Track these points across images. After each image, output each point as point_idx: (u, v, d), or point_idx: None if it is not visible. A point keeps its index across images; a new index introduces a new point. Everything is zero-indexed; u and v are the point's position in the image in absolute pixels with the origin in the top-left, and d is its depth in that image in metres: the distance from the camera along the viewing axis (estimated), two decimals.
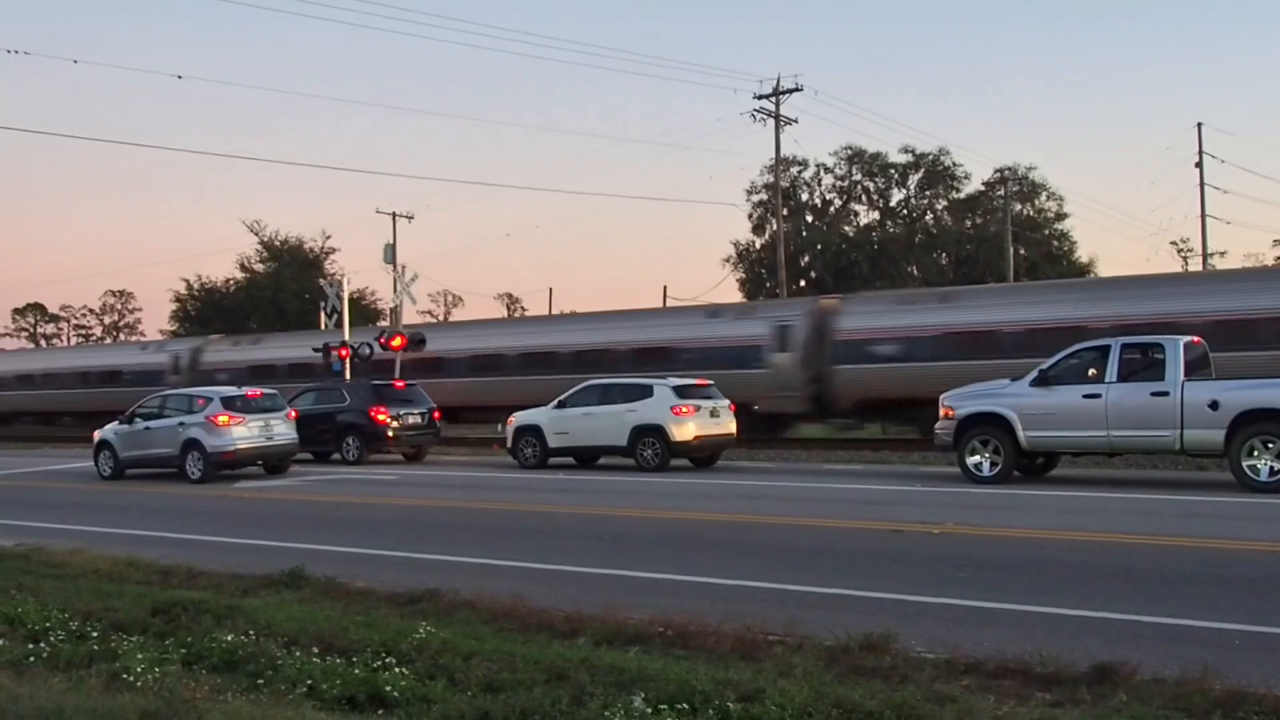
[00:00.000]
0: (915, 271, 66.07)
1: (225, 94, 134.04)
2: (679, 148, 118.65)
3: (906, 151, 68.91)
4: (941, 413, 18.20)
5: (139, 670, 7.09)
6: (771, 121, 50.56)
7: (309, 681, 7.17)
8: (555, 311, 67.39)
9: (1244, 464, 15.55)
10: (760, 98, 49.80)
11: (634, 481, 20.61)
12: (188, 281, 64.54)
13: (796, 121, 50.44)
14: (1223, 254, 64.57)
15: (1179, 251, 67.68)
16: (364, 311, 55.75)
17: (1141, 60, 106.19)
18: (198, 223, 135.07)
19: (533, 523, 15.32)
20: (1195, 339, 17.44)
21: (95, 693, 6.50)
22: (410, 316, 44.89)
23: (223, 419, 22.87)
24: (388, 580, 10.31)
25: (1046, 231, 67.33)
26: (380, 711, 6.71)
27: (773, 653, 7.68)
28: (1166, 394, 16.13)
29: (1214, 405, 15.75)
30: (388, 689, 7.03)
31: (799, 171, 69.75)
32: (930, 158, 68.61)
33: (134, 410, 24.94)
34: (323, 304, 40.16)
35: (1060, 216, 68.33)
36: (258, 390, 24.83)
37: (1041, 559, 11.07)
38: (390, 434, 26.94)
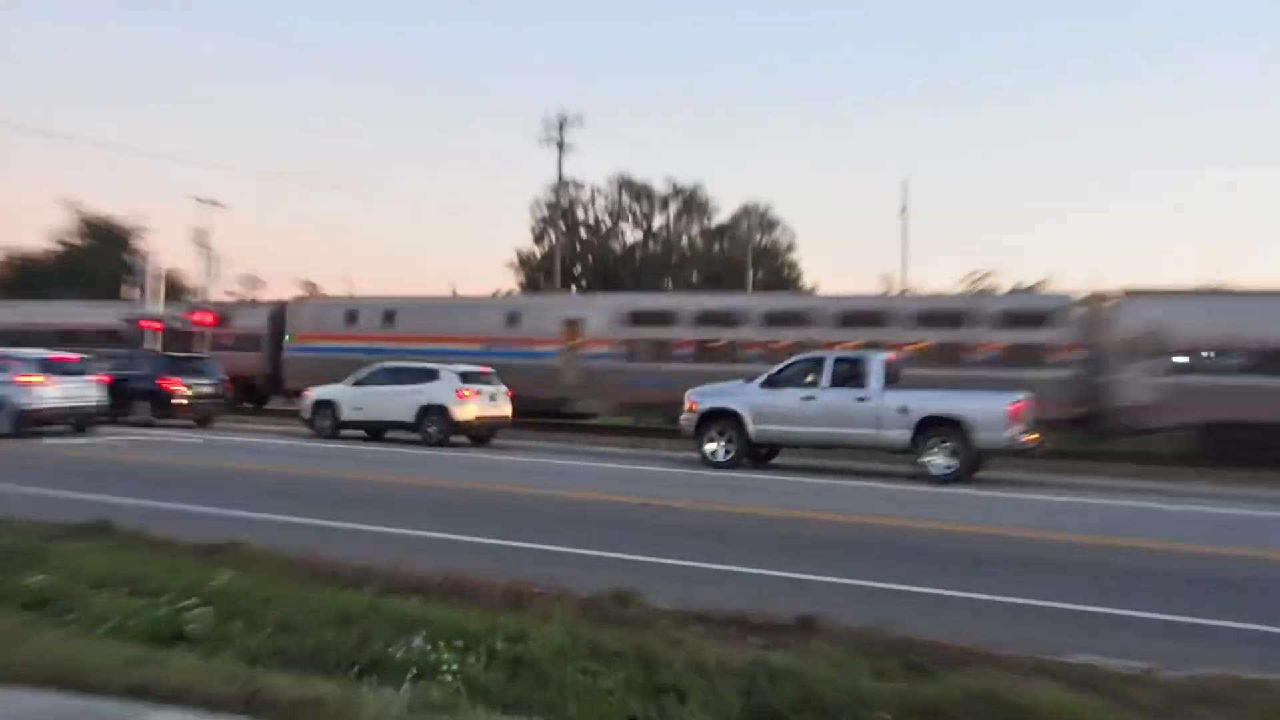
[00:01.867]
0: (671, 285, 67.98)
1: (42, 74, 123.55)
2: (472, 161, 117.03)
3: (669, 182, 71.12)
4: (686, 406, 18.77)
5: None
6: (556, 145, 50.97)
7: (116, 619, 6.86)
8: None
9: (925, 459, 16.72)
10: (549, 126, 50.14)
11: (420, 454, 20.36)
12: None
13: (576, 149, 50.74)
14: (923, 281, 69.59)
15: (884, 280, 72.26)
16: (172, 290, 52.74)
17: (867, 116, 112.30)
18: (4, 197, 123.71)
19: (328, 486, 14.95)
20: (892, 355, 18.60)
21: None
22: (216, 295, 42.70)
23: (35, 379, 21.33)
24: (191, 533, 9.88)
25: (779, 260, 70.53)
26: (184, 647, 6.49)
27: (536, 603, 7.79)
28: (868, 399, 17.15)
29: (904, 410, 16.87)
30: (190, 627, 6.79)
31: (576, 191, 70.43)
32: (688, 191, 70.87)
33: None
34: (125, 278, 37.90)
35: (790, 247, 71.89)
36: (71, 355, 23.26)
37: (762, 531, 11.62)
38: (182, 401, 25.97)
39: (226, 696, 5.08)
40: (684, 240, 72.11)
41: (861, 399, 17.16)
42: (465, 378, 23.04)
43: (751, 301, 29.34)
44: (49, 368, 22.08)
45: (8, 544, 8.72)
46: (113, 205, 75.45)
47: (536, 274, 69.22)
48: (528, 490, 14.62)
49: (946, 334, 24.79)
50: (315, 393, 24.25)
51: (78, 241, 58.61)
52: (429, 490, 14.72)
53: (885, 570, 9.47)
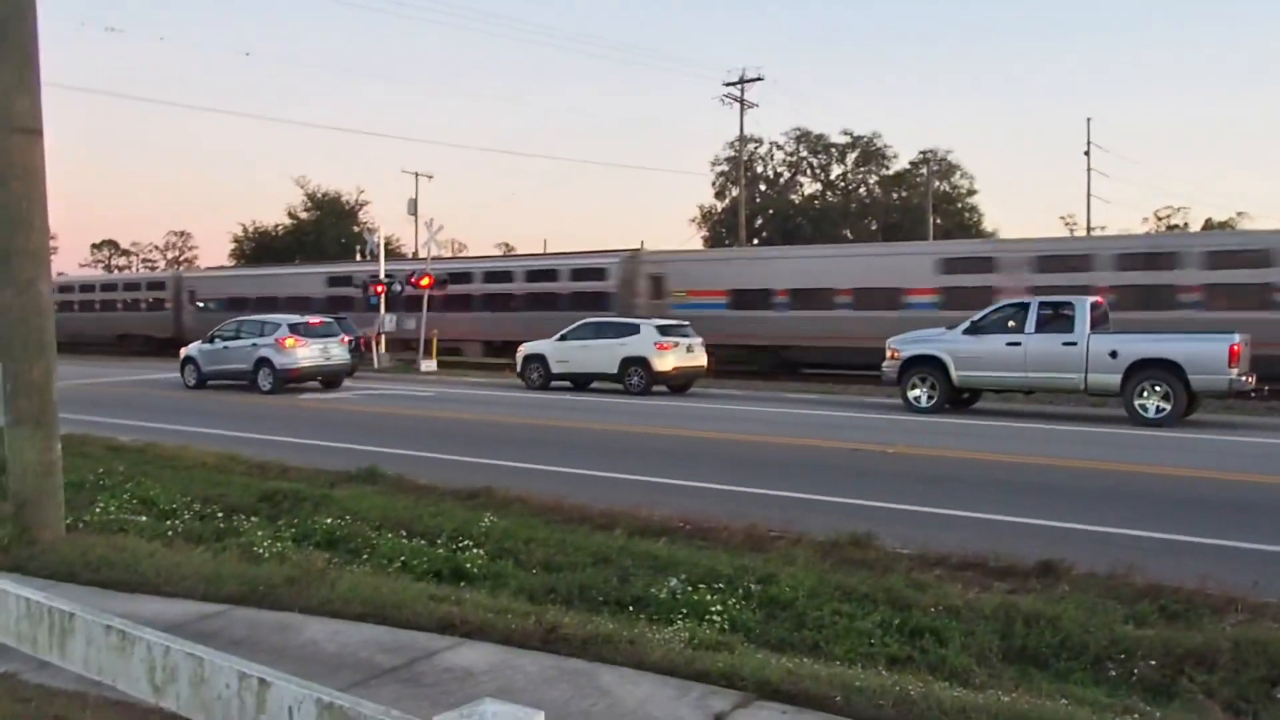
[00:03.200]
0: (850, 235, 66.37)
1: (280, 69, 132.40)
2: (657, 124, 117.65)
3: (846, 134, 69.16)
4: (888, 354, 18.36)
5: (264, 545, 7.17)
6: (736, 105, 50.21)
7: (402, 558, 7.28)
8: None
9: (1135, 403, 15.83)
10: (728, 85, 49.42)
11: (627, 403, 20.72)
12: (244, 225, 63.82)
13: (757, 106, 49.88)
14: (1103, 228, 65.06)
15: (1066, 224, 68.36)
16: (390, 256, 55.23)
17: (1045, 58, 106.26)
18: (249, 177, 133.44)
19: (550, 435, 15.39)
20: (1099, 299, 17.65)
21: (235, 561, 6.56)
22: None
23: (289, 341, 22.83)
24: (446, 478, 10.36)
25: (960, 205, 67.73)
26: (462, 584, 6.82)
27: (776, 546, 7.81)
28: (1075, 344, 16.35)
29: (1113, 354, 15.99)
30: (468, 566, 7.14)
31: (755, 148, 69.49)
32: (865, 139, 68.78)
33: (213, 332, 24.84)
34: (359, 247, 39.76)
35: (971, 193, 68.86)
36: (318, 319, 24.77)
37: (980, 475, 11.28)
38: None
39: (524, 632, 5.29)
40: (862, 190, 70.25)
41: (1068, 343, 16.36)
42: (664, 330, 23.27)
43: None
44: (304, 330, 23.48)
45: (295, 489, 9.36)
46: (337, 181, 78.93)
47: (718, 228, 69.08)
48: (740, 437, 14.66)
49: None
50: (526, 348, 24.96)
51: (304, 215, 62.01)
52: (645, 438, 14.94)
53: (1108, 514, 9.05)
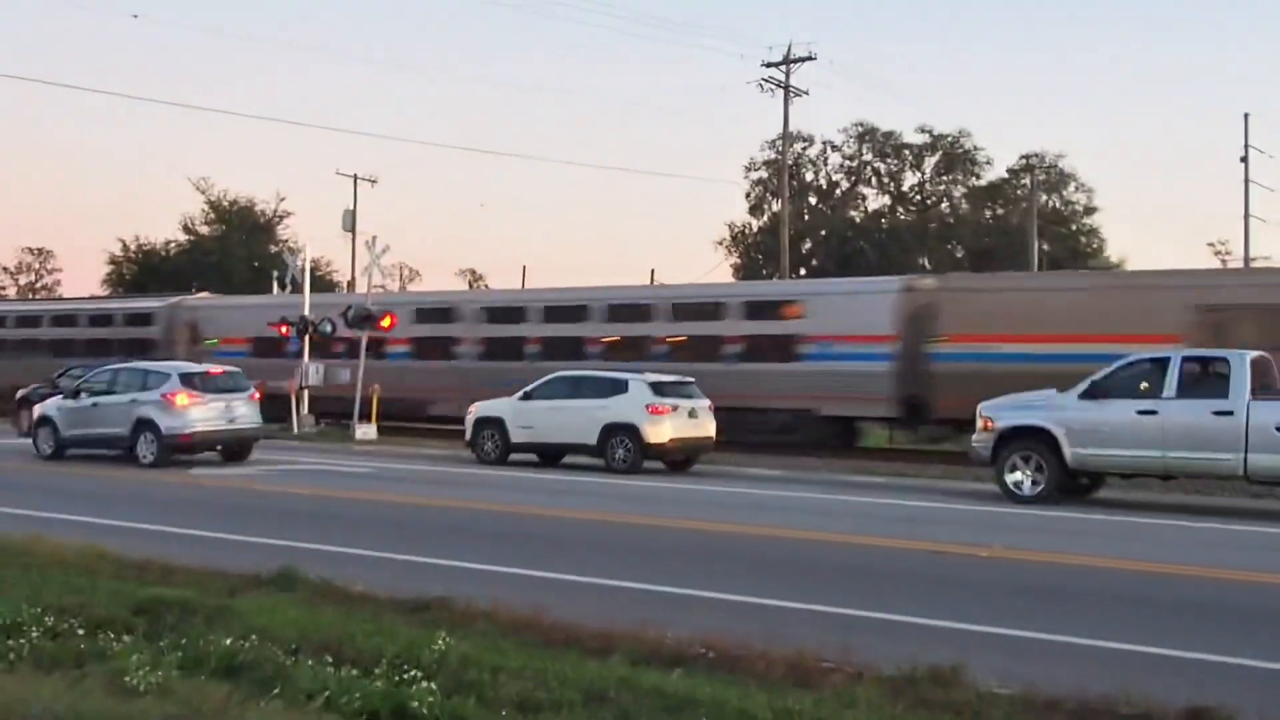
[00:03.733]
0: (927, 263, 66.24)
1: (177, 37, 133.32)
2: (673, 117, 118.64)
3: (923, 131, 68.86)
4: (980, 424, 18.36)
5: (140, 674, 7.10)
6: (779, 92, 50.38)
7: (326, 693, 7.19)
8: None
9: None
10: (769, 65, 49.54)
11: (618, 485, 20.84)
12: (123, 242, 64.37)
13: (807, 93, 50.06)
14: (1266, 257, 64.73)
15: (1216, 253, 67.92)
16: (318, 283, 55.64)
17: (1185, 41, 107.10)
18: (134, 177, 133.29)
19: (523, 525, 15.39)
20: (1263, 354, 17.64)
21: (98, 695, 6.50)
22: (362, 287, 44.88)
23: (180, 399, 22.92)
24: (384, 582, 10.29)
25: (1074, 226, 67.44)
26: None
27: (831, 681, 7.74)
28: (1231, 413, 16.32)
29: None
30: (414, 704, 7.04)
31: (804, 149, 69.81)
32: (949, 139, 68.53)
33: (80, 384, 24.93)
34: (276, 273, 40.05)
35: (1090, 210, 68.51)
36: (219, 368, 24.91)
37: (1104, 589, 11.20)
38: None
39: None
40: (944, 204, 70.38)
41: (1221, 412, 16.34)
42: (659, 389, 23.53)
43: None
44: (201, 384, 23.61)
45: (186, 598, 9.32)
46: (251, 186, 79.99)
47: (753, 252, 69.00)
48: (774, 532, 14.69)
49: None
50: (480, 408, 25.36)
51: (205, 230, 62.64)
52: (648, 531, 15.01)
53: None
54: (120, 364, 26.13)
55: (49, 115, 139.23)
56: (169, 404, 22.91)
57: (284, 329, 34.16)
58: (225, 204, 62.75)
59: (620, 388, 23.52)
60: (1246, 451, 16.22)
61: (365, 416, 31.98)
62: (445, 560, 12.27)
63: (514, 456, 24.48)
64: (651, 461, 23.28)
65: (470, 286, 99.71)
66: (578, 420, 23.56)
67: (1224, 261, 67.34)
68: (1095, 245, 67.85)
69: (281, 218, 64.16)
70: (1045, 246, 62.45)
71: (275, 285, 39.99)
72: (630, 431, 22.98)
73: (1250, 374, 16.56)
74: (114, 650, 7.85)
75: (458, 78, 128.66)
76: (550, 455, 24.65)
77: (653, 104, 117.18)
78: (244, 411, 24.08)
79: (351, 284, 42.22)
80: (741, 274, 68.35)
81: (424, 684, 7.37)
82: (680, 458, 23.94)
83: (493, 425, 24.72)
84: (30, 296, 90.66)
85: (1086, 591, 11.09)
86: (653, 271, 47.53)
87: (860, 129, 69.50)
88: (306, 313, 34.30)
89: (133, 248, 63.40)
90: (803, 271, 64.62)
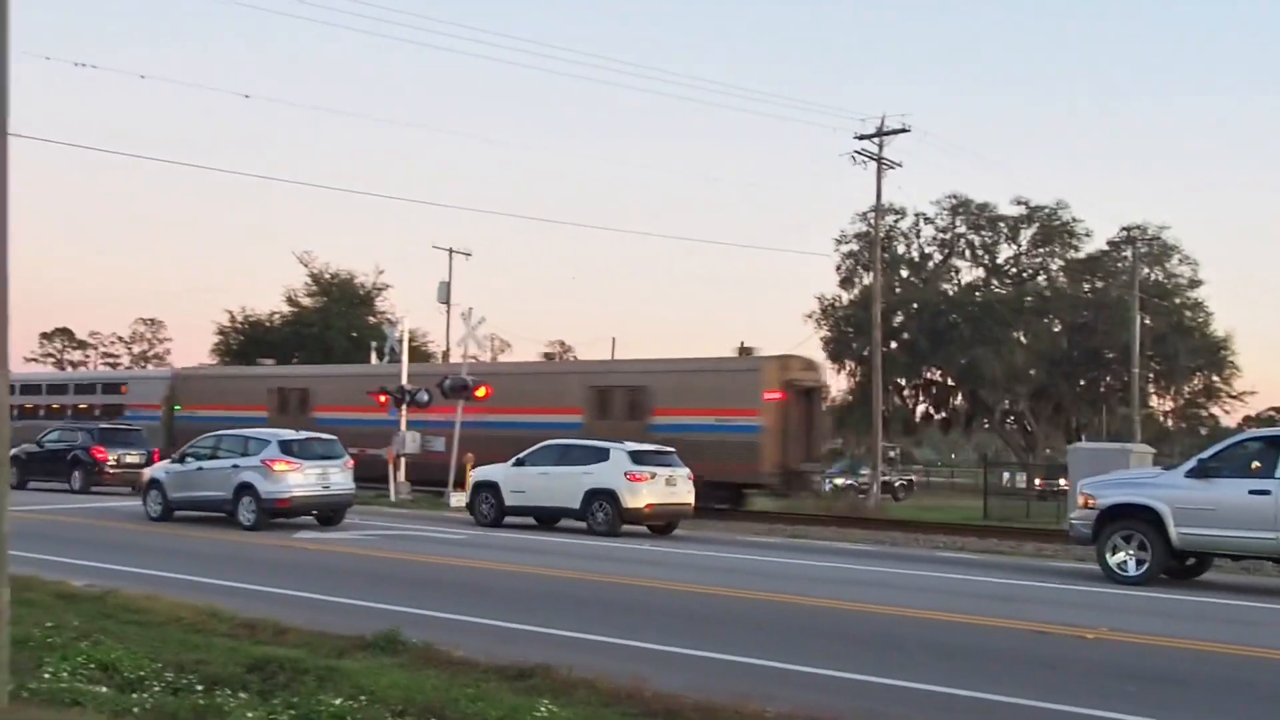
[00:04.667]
0: (1023, 338, 65.30)
1: (285, 116, 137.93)
2: (766, 188, 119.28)
3: (1019, 203, 67.96)
4: (1080, 501, 18.15)
5: None
6: (872, 165, 50.16)
7: None
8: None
9: None
10: (861, 138, 49.25)
11: (647, 551, 21.77)
12: (231, 313, 65.80)
13: (900, 165, 49.77)
14: None
15: None
16: (415, 353, 56.38)
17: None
18: (241, 251, 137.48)
19: (628, 596, 15.52)
20: None
21: None
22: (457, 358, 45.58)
23: (279, 465, 23.60)
24: (488, 650, 10.42)
25: (1178, 300, 65.92)
26: None
27: None
28: None
29: None
30: None
31: (896, 221, 69.18)
32: (1046, 211, 67.50)
33: (185, 450, 25.78)
34: (374, 344, 40.80)
35: (1194, 284, 66.96)
36: (316, 436, 25.71)
37: (1220, 675, 10.96)
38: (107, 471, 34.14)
39: None
40: (1041, 277, 69.39)
41: None
42: (636, 457, 25.22)
43: None
44: (299, 450, 24.34)
45: (297, 658, 9.52)
46: (351, 259, 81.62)
47: (843, 325, 68.40)
48: (864, 607, 14.70)
49: None
50: (478, 474, 27.23)
51: (307, 301, 63.90)
52: (733, 602, 15.22)
53: None
54: (224, 431, 26.86)
55: (164, 191, 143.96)
56: (268, 469, 23.61)
57: (382, 398, 34.80)
58: (327, 277, 63.94)
59: (602, 455, 25.21)
60: None
61: (458, 484, 32.36)
62: (552, 629, 12.37)
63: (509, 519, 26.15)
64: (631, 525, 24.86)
65: (559, 358, 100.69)
66: (564, 485, 25.35)
67: None
68: (1201, 319, 66.36)
69: (380, 290, 65.27)
70: (1147, 320, 61.33)
71: (374, 355, 40.70)
72: (609, 496, 24.72)
73: None
74: (230, 707, 8.06)
75: (549, 151, 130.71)
76: (544, 518, 26.43)
77: (746, 176, 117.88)
78: (339, 479, 24.80)
79: (446, 354, 42.61)
80: (831, 347, 68.01)
81: None
82: (660, 523, 25.56)
83: (488, 489, 26.54)
84: (118, 367, 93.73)
85: (1199, 677, 10.88)
86: (741, 344, 47.29)
87: (954, 200, 68.72)
88: (405, 382, 34.92)
89: (239, 318, 64.85)
90: (893, 345, 64.07)
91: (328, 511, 24.94)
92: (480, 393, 33.38)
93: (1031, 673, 10.87)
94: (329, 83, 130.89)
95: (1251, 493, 16.65)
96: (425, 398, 33.96)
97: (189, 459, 25.14)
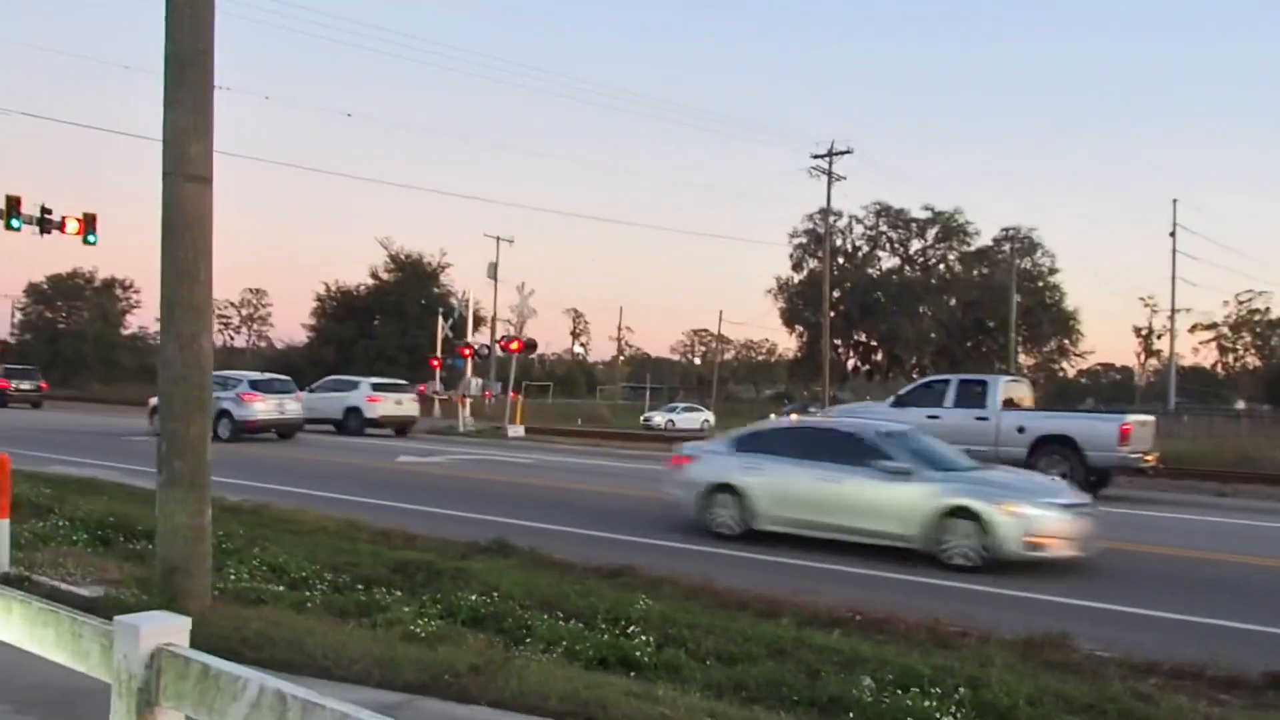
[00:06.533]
0: (929, 311, 65.56)
1: (379, 130, 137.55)
2: (740, 195, 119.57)
3: (926, 209, 69.10)
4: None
5: (421, 624, 6.64)
6: (823, 178, 49.42)
7: (564, 642, 6.68)
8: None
9: None
10: (817, 156, 48.68)
11: None
12: (326, 284, 64.79)
13: (845, 179, 49.17)
14: (1187, 309, 63.81)
15: (1144, 304, 67.67)
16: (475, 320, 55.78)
17: (1128, 139, 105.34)
18: (331, 236, 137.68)
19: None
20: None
21: (400, 642, 6.03)
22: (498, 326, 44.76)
23: (248, 397, 24.55)
24: (577, 553, 9.77)
25: (1041, 283, 66.88)
26: (632, 674, 6.19)
27: (965, 643, 7.10)
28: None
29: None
30: (636, 655, 6.52)
31: (834, 221, 69.14)
32: (946, 215, 68.54)
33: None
34: (441, 309, 40.03)
35: (1053, 271, 68.55)
36: (276, 375, 26.94)
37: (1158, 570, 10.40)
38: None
39: None
40: (941, 266, 69.39)
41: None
42: (377, 386, 28.08)
43: None
44: (260, 386, 25.05)
45: (428, 560, 8.84)
46: (420, 243, 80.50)
47: (795, 300, 68.49)
48: None
49: None
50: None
51: (386, 276, 62.85)
52: None
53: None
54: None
55: (278, 186, 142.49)
56: (240, 400, 24.39)
57: (467, 350, 34.16)
58: (402, 257, 62.77)
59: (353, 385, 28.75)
60: None
61: (513, 419, 31.75)
62: (622, 535, 11.73)
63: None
64: None
65: (573, 323, 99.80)
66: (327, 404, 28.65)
67: (1152, 311, 67.27)
68: (1057, 297, 67.27)
69: (443, 268, 64.14)
70: (1019, 298, 61.52)
71: (440, 320, 39.78)
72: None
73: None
74: (387, 602, 7.42)
75: (575, 160, 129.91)
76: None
77: (721, 185, 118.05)
78: (292, 407, 25.51)
79: (494, 320, 41.76)
80: (786, 316, 68.18)
81: (641, 638, 6.85)
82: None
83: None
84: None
85: (1141, 570, 10.31)
86: (720, 313, 46.76)
87: (878, 206, 69.51)
88: (469, 339, 34.19)
89: (333, 288, 63.84)
90: (832, 314, 63.72)
91: (284, 430, 25.39)
92: (514, 345, 32.43)
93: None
94: (396, 102, 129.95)
95: (929, 417, 17.23)
96: (485, 352, 33.33)
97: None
